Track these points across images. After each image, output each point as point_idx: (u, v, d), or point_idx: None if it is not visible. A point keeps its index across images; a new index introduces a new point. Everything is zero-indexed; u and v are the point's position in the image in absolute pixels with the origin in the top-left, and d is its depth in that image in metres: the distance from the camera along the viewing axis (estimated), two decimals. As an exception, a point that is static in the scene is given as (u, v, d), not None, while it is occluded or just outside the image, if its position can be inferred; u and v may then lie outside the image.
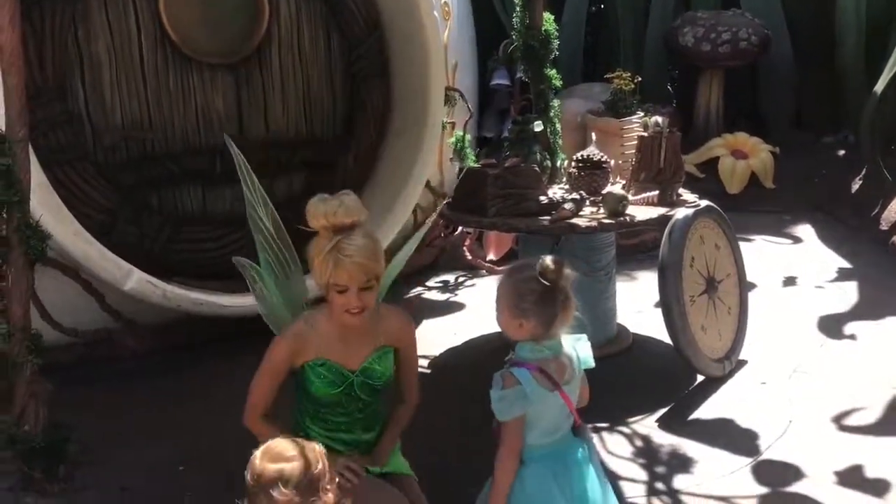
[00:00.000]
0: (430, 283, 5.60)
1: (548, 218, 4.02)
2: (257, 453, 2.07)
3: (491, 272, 5.68)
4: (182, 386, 4.24)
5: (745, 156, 6.78)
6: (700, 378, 4.03)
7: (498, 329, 2.50)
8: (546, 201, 4.16)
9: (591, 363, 2.45)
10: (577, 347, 2.43)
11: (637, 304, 4.91)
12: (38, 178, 3.97)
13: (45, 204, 4.01)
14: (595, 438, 3.57)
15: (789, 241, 6.06)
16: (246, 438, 2.50)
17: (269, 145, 5.03)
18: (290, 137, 5.16)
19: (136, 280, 4.29)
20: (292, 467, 2.00)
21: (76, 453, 3.46)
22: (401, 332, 2.72)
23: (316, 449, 2.08)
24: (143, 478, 3.45)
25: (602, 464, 2.41)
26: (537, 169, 4.32)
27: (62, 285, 4.41)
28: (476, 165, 4.49)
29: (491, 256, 5.66)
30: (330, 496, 2.05)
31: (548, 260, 2.33)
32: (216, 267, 4.57)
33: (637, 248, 5.66)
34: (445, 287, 5.55)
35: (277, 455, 2.03)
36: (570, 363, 2.38)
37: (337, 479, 2.14)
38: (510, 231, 4.51)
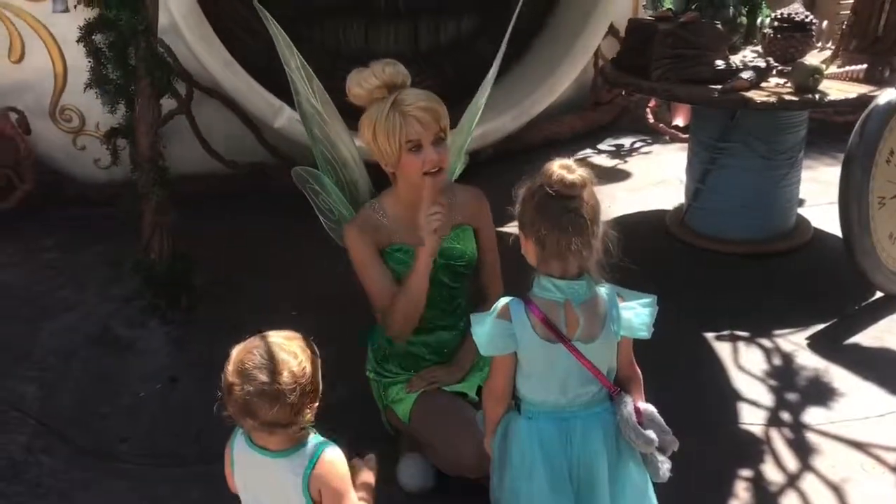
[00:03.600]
0: (601, 146, 5.14)
1: (719, 88, 3.44)
2: (234, 355, 1.76)
3: (674, 139, 5.12)
4: (323, 231, 4.22)
5: None
6: (878, 294, 3.41)
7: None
8: (722, 67, 3.56)
9: (643, 333, 1.85)
10: (627, 308, 1.85)
11: (831, 194, 4.19)
12: (188, 4, 3.95)
13: (195, 32, 4.00)
14: (727, 347, 3.17)
15: None
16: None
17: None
18: (461, -27, 4.79)
19: (286, 118, 4.24)
20: (260, 393, 1.69)
21: (200, 286, 3.57)
22: (476, 207, 2.52)
23: (297, 369, 1.73)
24: (258, 317, 3.45)
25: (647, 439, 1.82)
26: (720, 26, 3.67)
27: (225, 116, 4.48)
28: (651, 17, 3.89)
29: (678, 122, 5.05)
30: (306, 417, 1.75)
31: (558, 165, 1.79)
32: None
33: (849, 126, 4.79)
34: (617, 152, 5.07)
35: (248, 374, 1.71)
36: (596, 318, 1.83)
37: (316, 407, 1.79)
38: (670, 99, 3.95)
